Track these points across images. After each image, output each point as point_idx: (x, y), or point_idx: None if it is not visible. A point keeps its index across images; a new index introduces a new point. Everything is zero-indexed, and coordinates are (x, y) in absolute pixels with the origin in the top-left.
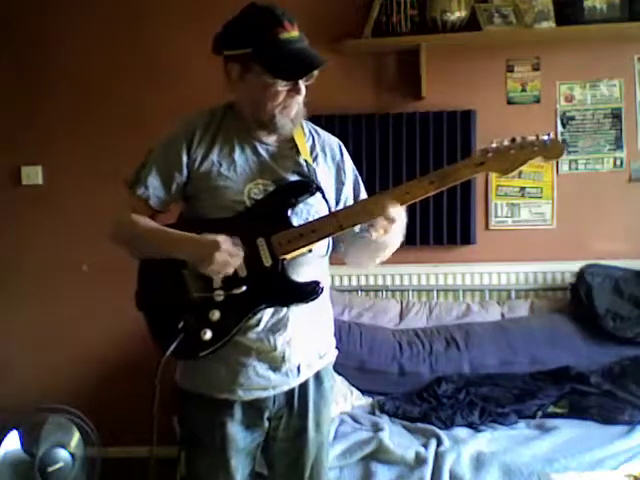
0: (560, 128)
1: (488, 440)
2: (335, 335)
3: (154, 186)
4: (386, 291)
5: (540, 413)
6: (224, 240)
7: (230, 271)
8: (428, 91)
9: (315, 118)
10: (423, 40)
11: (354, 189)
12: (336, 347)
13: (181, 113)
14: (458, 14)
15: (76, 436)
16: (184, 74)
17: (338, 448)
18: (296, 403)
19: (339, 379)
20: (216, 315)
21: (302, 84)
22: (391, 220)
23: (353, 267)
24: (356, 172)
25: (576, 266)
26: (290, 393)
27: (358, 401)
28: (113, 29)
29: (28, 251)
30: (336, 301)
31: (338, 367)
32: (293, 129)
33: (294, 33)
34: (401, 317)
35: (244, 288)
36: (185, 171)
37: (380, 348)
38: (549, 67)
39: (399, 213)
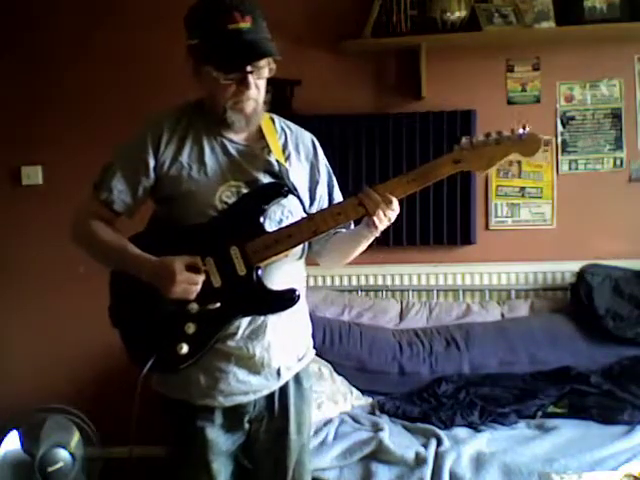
0: (560, 128)
1: (488, 440)
2: (335, 335)
3: (119, 190)
4: (386, 291)
5: (540, 413)
6: (180, 269)
7: (192, 297)
8: (428, 91)
9: (315, 118)
10: (423, 40)
11: (328, 186)
12: (336, 347)
13: None
14: (458, 14)
15: (76, 436)
16: (185, 75)
17: (338, 448)
18: (277, 406)
19: (339, 379)
20: (192, 328)
21: (251, 79)
22: (391, 207)
23: (325, 266)
24: (329, 168)
25: (576, 266)
26: (270, 396)
27: (358, 401)
28: (112, 30)
29: (28, 251)
30: (336, 301)
31: (338, 367)
32: (249, 126)
33: (244, 24)
34: (401, 317)
35: (218, 304)
36: (152, 175)
37: (380, 348)
38: (549, 67)
39: (396, 201)
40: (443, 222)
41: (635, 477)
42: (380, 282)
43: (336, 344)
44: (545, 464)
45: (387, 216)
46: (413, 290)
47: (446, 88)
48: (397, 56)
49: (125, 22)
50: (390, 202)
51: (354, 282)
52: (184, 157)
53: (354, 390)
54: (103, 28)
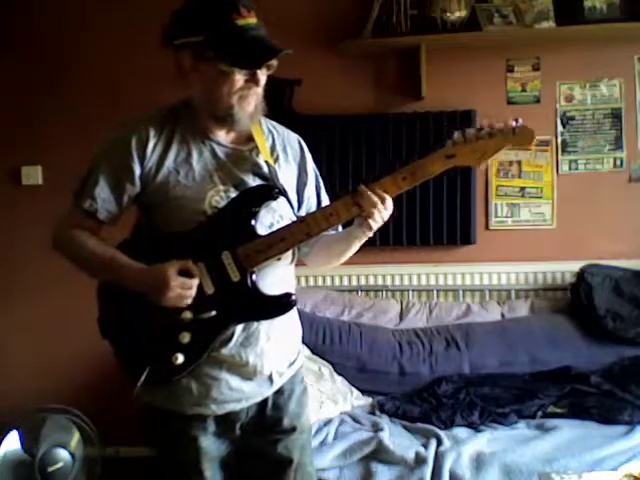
0: (560, 128)
1: (488, 440)
2: (335, 335)
3: (102, 198)
4: (386, 291)
5: (540, 413)
6: (173, 275)
7: (188, 302)
8: (428, 91)
9: (315, 118)
10: (423, 40)
11: (316, 188)
12: (336, 347)
13: None
14: (458, 14)
15: (76, 436)
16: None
17: (338, 448)
18: (269, 411)
19: (339, 379)
20: (186, 338)
21: (261, 75)
22: (386, 206)
23: (312, 267)
24: (316, 170)
25: (576, 266)
26: (263, 402)
27: (358, 401)
28: (114, 30)
29: (28, 251)
30: (336, 301)
31: (338, 367)
32: (251, 125)
33: (250, 20)
34: (401, 317)
35: (213, 313)
36: (138, 182)
37: (380, 348)
38: (549, 67)
39: (390, 200)
40: (443, 222)
41: (635, 477)
42: (380, 282)
43: (336, 344)
44: (545, 464)
45: (382, 216)
46: (413, 290)
47: (446, 88)
48: (397, 56)
49: (126, 22)
50: (385, 201)
51: (354, 282)
52: (170, 161)
53: (354, 390)
54: (104, 28)
